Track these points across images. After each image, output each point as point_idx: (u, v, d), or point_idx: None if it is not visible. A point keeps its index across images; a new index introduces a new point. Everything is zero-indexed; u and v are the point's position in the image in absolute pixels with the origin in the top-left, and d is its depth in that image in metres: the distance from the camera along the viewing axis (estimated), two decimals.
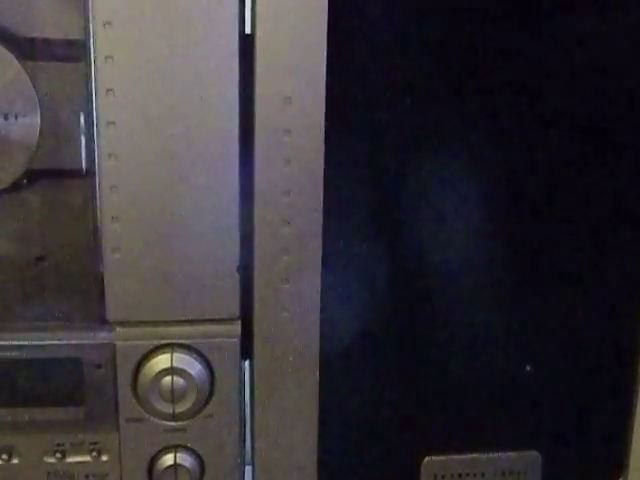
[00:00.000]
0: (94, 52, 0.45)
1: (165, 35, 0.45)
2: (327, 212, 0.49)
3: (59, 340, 0.49)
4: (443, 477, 0.54)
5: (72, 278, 0.49)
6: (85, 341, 0.49)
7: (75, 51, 0.46)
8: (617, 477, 0.57)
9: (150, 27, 0.45)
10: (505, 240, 0.52)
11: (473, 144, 0.50)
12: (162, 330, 0.50)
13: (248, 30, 0.48)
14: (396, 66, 0.48)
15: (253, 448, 0.53)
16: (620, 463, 0.57)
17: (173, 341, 0.50)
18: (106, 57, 0.45)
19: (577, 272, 0.54)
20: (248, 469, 0.56)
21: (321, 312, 0.50)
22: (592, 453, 0.56)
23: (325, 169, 0.48)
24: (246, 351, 0.52)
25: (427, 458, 0.54)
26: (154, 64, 0.45)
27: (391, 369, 0.53)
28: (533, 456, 0.55)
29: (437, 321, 0.53)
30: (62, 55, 0.46)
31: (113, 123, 0.46)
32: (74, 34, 0.45)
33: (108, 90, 0.45)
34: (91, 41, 0.45)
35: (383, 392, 0.53)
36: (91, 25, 0.45)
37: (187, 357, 0.50)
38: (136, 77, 0.45)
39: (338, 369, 0.52)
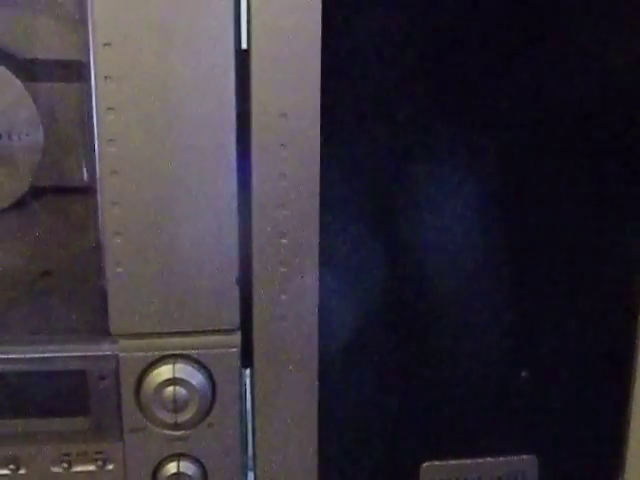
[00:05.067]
0: (94, 72, 0.46)
1: (162, 53, 0.46)
2: (324, 224, 0.50)
3: (64, 352, 0.50)
4: None
5: (76, 292, 0.50)
6: (89, 353, 0.50)
7: (75, 71, 0.47)
8: (614, 478, 0.58)
9: (148, 46, 0.46)
10: (502, 245, 0.53)
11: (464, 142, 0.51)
12: (164, 341, 0.51)
13: (244, 45, 0.49)
14: (389, 80, 0.49)
15: (255, 455, 0.54)
16: (617, 465, 0.57)
17: (175, 352, 0.51)
18: (106, 77, 0.46)
19: (573, 276, 0.54)
20: (251, 475, 0.57)
21: (319, 321, 0.51)
22: (589, 455, 0.57)
23: (321, 182, 0.49)
24: (247, 359, 0.53)
25: (426, 463, 0.55)
26: (152, 82, 0.47)
27: (390, 375, 0.54)
28: (530, 460, 0.56)
29: (436, 327, 0.54)
30: (63, 75, 0.47)
31: (113, 140, 0.47)
32: (74, 54, 0.47)
33: (108, 109, 0.47)
34: (91, 61, 0.46)
35: (382, 398, 0.54)
36: (91, 45, 0.46)
37: (188, 367, 0.51)
38: (135, 95, 0.47)
39: (337, 376, 0.53)
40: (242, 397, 0.54)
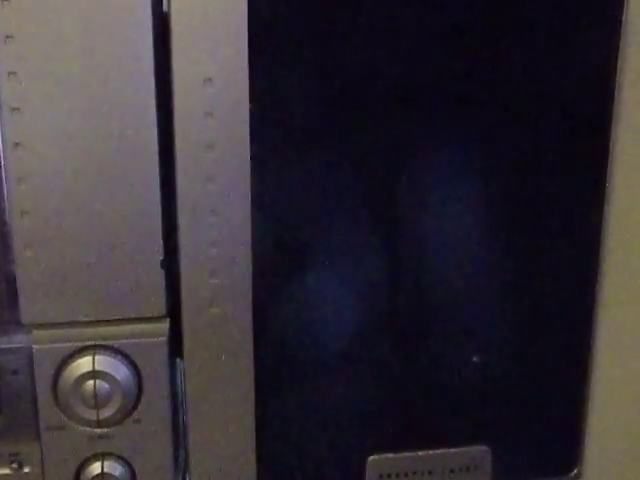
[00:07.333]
0: None
1: (73, 12, 0.42)
2: (255, 196, 0.46)
3: None
4: (389, 476, 0.52)
5: None
6: None
7: None
8: (571, 469, 0.55)
9: (56, 4, 0.42)
10: (454, 236, 0.50)
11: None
12: (82, 331, 0.46)
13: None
14: (321, 46, 0.45)
15: (187, 453, 0.50)
16: (573, 456, 0.55)
17: (95, 342, 0.47)
18: (6, 37, 0.41)
19: (527, 264, 0.52)
20: None
21: (253, 307, 0.47)
22: (544, 446, 0.54)
23: (251, 152, 0.45)
24: (181, 350, 0.49)
25: (372, 457, 0.52)
26: (61, 45, 0.42)
27: (332, 364, 0.50)
28: (483, 451, 0.53)
29: (378, 314, 0.50)
30: None
31: (17, 109, 0.43)
32: None
33: (10, 73, 0.42)
34: None
35: (324, 388, 0.50)
36: None
37: (110, 359, 0.47)
38: (41, 59, 0.42)
39: (275, 366, 0.49)
40: (175, 390, 0.50)
